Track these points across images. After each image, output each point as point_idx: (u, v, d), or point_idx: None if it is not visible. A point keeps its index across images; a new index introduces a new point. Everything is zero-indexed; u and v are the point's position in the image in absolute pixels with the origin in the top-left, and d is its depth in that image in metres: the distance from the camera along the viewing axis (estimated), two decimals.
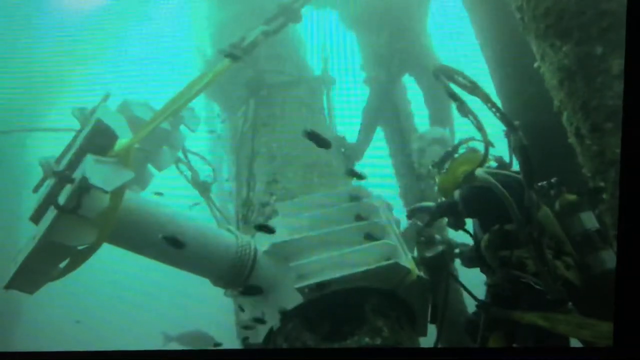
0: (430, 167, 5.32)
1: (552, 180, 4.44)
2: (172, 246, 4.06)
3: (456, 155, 5.00)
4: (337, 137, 6.98)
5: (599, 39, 3.43)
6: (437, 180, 5.14)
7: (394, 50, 7.90)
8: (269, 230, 4.49)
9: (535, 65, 4.05)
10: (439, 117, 7.72)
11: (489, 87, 5.83)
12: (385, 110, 7.96)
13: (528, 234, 4.08)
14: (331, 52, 8.01)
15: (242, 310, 4.53)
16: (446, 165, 5.03)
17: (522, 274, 4.32)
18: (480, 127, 4.36)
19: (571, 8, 3.56)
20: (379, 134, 8.04)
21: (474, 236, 4.88)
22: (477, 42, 6.48)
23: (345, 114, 8.15)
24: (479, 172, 4.42)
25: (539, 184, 4.40)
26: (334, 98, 7.42)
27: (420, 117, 8.07)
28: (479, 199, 4.52)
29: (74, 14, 11.35)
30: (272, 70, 6.83)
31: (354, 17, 8.44)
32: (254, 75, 6.74)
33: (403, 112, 8.13)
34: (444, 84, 4.48)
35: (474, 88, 4.31)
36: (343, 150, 6.90)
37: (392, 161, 8.11)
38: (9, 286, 4.05)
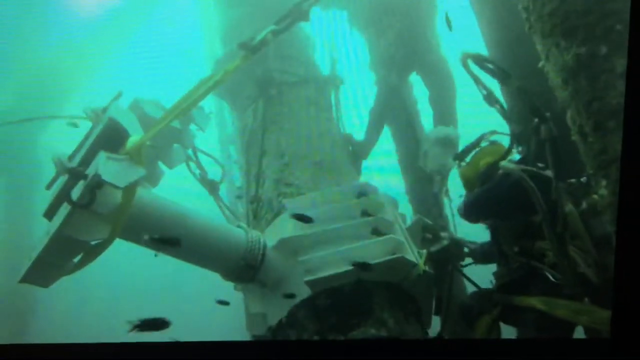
0: (451, 159, 5.37)
1: (582, 179, 4.48)
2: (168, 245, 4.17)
3: (478, 148, 5.05)
4: (344, 135, 7.03)
5: (604, 39, 3.46)
6: (458, 172, 5.17)
7: (401, 49, 7.94)
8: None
9: (540, 64, 4.08)
10: (443, 116, 7.76)
11: (494, 84, 5.87)
12: (393, 109, 8.00)
13: (552, 227, 4.12)
14: (339, 51, 8.06)
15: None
16: (468, 158, 5.07)
17: (540, 264, 4.36)
18: (507, 117, 4.42)
19: (577, 8, 3.58)
20: (386, 131, 8.09)
21: (491, 227, 4.93)
22: (484, 41, 6.51)
23: (353, 113, 8.21)
24: (506, 164, 4.48)
25: (568, 180, 4.44)
26: (342, 97, 7.47)
27: (427, 116, 8.11)
28: (498, 195, 4.58)
29: (87, 13, 11.42)
30: (281, 70, 6.88)
31: (362, 17, 8.48)
32: (263, 75, 6.79)
33: (410, 111, 8.17)
34: (470, 71, 4.54)
35: (506, 77, 4.38)
36: (350, 148, 6.94)
37: (398, 158, 8.16)
38: (23, 280, 4.11)
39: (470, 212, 4.92)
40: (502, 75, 4.50)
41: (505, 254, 4.72)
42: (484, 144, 5.06)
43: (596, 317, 3.90)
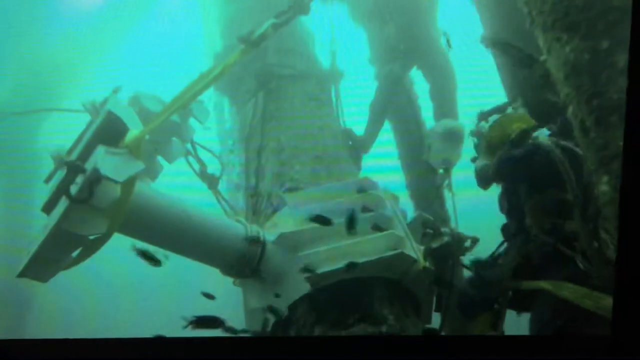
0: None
1: None
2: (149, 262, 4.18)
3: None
4: (345, 130, 7.01)
5: (606, 34, 3.44)
6: (484, 133, 5.10)
7: (402, 42, 7.92)
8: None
9: (542, 58, 4.06)
10: (444, 111, 7.74)
11: (495, 77, 5.87)
12: (393, 103, 7.99)
13: (584, 209, 4.05)
14: (339, 45, 8.03)
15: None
16: (493, 118, 5.01)
17: (568, 250, 4.26)
18: (542, 86, 4.36)
19: (578, 3, 3.57)
20: (387, 126, 8.07)
21: (512, 197, 4.87)
22: (485, 34, 6.49)
23: (354, 107, 8.19)
24: (542, 138, 4.43)
25: None
26: (342, 91, 7.45)
27: (428, 110, 8.09)
28: (529, 162, 4.49)
29: (86, 6, 11.39)
30: (280, 64, 6.86)
31: (363, 11, 8.45)
32: (262, 69, 6.78)
33: (410, 105, 8.16)
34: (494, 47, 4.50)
35: (532, 62, 4.35)
36: (351, 142, 6.92)
37: (399, 153, 8.15)
38: (22, 275, 4.11)
39: (497, 174, 4.81)
40: (527, 60, 4.47)
41: (527, 230, 4.63)
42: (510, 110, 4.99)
43: (601, 303, 3.85)
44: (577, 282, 4.16)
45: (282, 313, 4.46)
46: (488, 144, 5.02)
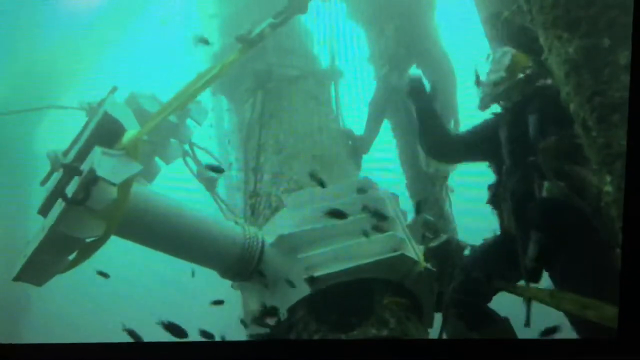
0: None
1: None
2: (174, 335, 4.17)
3: None
4: (344, 130, 6.98)
5: (607, 31, 3.41)
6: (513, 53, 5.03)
7: (401, 43, 7.89)
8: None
9: (543, 57, 4.03)
10: (445, 110, 7.71)
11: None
12: (393, 103, 7.96)
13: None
14: (338, 44, 8.01)
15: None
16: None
17: (578, 200, 4.11)
18: None
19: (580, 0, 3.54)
20: (386, 125, 8.05)
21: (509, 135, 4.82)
22: (484, 31, 6.47)
23: (353, 106, 8.17)
24: None
25: None
26: (342, 90, 7.43)
27: None
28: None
29: (83, 5, 11.38)
30: (279, 63, 6.84)
31: (361, 11, 8.43)
32: (261, 68, 6.75)
33: (410, 106, 8.13)
34: None
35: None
36: (350, 142, 6.90)
37: (399, 153, 8.12)
38: (17, 278, 4.06)
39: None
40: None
41: (532, 167, 4.46)
42: None
43: (604, 313, 3.80)
44: (583, 234, 4.07)
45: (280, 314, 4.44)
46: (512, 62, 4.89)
